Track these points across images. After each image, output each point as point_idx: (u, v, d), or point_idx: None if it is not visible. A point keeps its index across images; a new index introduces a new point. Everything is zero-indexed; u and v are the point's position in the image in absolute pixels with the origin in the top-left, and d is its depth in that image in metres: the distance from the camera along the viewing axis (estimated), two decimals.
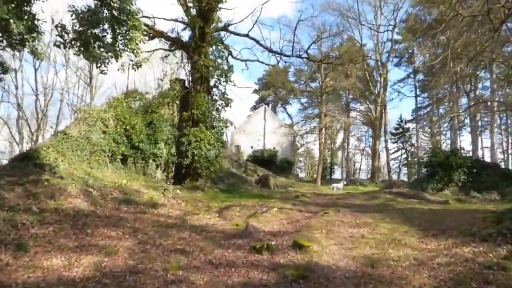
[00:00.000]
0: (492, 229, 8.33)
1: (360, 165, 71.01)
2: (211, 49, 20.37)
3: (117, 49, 8.35)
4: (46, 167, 10.64)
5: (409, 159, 54.02)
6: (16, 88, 40.40)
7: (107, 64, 9.18)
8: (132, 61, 9.55)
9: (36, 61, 40.17)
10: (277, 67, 56.29)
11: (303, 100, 63.69)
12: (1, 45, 8.67)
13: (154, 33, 19.66)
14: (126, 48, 8.44)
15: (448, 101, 46.25)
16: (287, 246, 8.18)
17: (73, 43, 8.68)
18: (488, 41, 15.66)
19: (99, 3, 8.49)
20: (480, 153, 42.18)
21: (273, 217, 11.39)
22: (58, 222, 8.17)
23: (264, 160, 41.68)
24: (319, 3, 61.52)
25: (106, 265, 6.61)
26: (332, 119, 48.79)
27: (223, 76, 20.29)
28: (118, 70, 9.94)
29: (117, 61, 9.18)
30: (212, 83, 20.43)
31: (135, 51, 8.42)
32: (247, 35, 21.74)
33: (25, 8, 8.21)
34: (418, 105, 54.28)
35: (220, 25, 20.66)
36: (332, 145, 64.62)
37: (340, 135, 63.33)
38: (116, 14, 8.31)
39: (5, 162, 27.31)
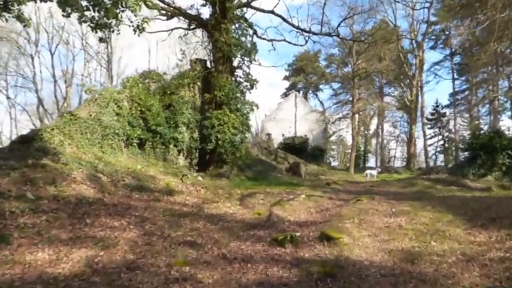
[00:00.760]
0: None
1: (395, 153, 69.13)
2: (233, 27, 19.20)
3: (105, 1, 7.22)
4: (50, 150, 9.75)
5: (446, 145, 51.80)
6: (34, 74, 39.59)
7: (105, 29, 8.08)
8: (132, 22, 8.38)
9: (52, 46, 39.66)
10: (307, 52, 55.34)
11: (335, 85, 61.82)
12: None
13: (171, 11, 18.73)
14: (120, 6, 7.30)
15: (487, 84, 43.58)
16: (314, 238, 7.14)
17: None
18: None
19: None
20: None
21: (300, 205, 10.32)
22: (54, 211, 7.23)
23: (295, 147, 40.38)
24: None
25: (100, 260, 5.61)
26: (365, 103, 47.12)
27: (247, 55, 19.14)
28: (114, 32, 8.65)
29: (112, 26, 8.03)
30: (235, 63, 19.39)
31: (132, 8, 7.25)
32: (272, 12, 20.30)
33: None
34: (456, 89, 51.84)
35: (243, 0, 19.41)
36: (366, 132, 62.88)
37: (374, 122, 61.69)
38: None
39: None
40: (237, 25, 19.42)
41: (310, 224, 8.29)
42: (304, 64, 60.28)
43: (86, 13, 7.88)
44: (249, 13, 19.96)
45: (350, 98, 45.40)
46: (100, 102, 13.14)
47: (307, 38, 22.98)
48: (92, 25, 8.00)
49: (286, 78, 67.06)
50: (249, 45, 19.25)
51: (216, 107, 17.78)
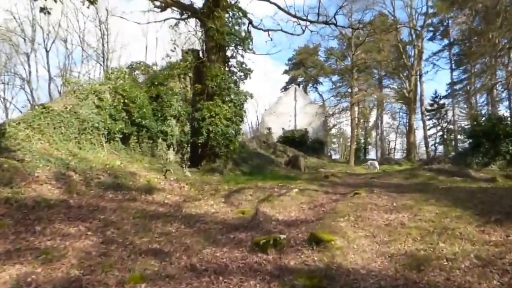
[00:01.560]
0: None
1: (395, 144, 69.25)
2: (227, 16, 18.29)
3: None
4: (11, 146, 8.77)
5: (445, 136, 51.37)
6: (30, 73, 38.88)
7: None
8: None
9: (48, 43, 38.98)
10: (307, 46, 54.37)
11: (334, 78, 61.37)
12: None
13: (164, 1, 17.88)
14: None
15: (486, 74, 43.11)
16: (302, 240, 6.14)
17: None
18: None
19: None
20: None
21: (291, 201, 9.34)
22: (0, 217, 6.22)
23: (295, 140, 39.87)
24: None
25: (34, 279, 4.52)
26: (364, 93, 46.42)
27: (241, 44, 18.23)
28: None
29: None
30: (229, 53, 18.56)
31: None
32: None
33: None
34: (454, 80, 51.47)
35: None
36: (366, 124, 62.85)
37: (374, 114, 61.68)
38: None
39: None
40: (231, 14, 18.52)
41: (300, 223, 7.31)
42: (303, 58, 59.86)
43: None
44: (244, 3, 18.94)
45: (349, 90, 45.06)
46: (79, 94, 12.18)
47: (304, 28, 22.00)
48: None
49: (286, 72, 67.28)
50: (243, 34, 18.35)
51: (207, 98, 16.90)
